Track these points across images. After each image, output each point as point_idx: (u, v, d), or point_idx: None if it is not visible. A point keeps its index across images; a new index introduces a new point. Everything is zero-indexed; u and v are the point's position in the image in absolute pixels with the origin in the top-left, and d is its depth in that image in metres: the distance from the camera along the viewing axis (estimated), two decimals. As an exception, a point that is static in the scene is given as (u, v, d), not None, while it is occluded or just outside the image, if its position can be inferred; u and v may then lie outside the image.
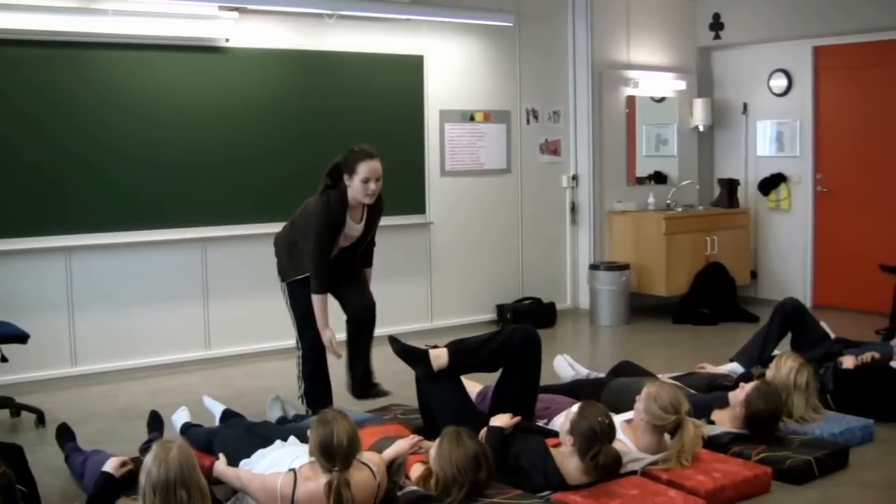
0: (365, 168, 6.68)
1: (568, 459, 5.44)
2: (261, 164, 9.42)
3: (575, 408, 5.53)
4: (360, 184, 6.68)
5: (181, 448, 4.46)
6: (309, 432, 4.94)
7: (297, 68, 9.62)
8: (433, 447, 5.16)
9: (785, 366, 6.66)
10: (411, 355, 6.44)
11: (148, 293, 8.98)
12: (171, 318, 9.12)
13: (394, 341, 6.48)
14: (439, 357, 6.32)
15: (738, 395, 6.37)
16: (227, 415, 6.58)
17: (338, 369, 7.24)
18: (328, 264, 6.78)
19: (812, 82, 11.90)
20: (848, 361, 7.26)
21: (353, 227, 6.93)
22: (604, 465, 5.31)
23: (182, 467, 4.37)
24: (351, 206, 6.81)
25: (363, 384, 7.14)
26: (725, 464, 5.82)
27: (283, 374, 8.83)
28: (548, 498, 5.30)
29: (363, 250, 7.17)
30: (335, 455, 4.71)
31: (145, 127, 8.84)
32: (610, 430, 5.39)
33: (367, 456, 4.99)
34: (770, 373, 6.72)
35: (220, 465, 5.45)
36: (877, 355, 7.44)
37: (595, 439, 5.30)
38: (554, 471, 5.42)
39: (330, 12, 9.59)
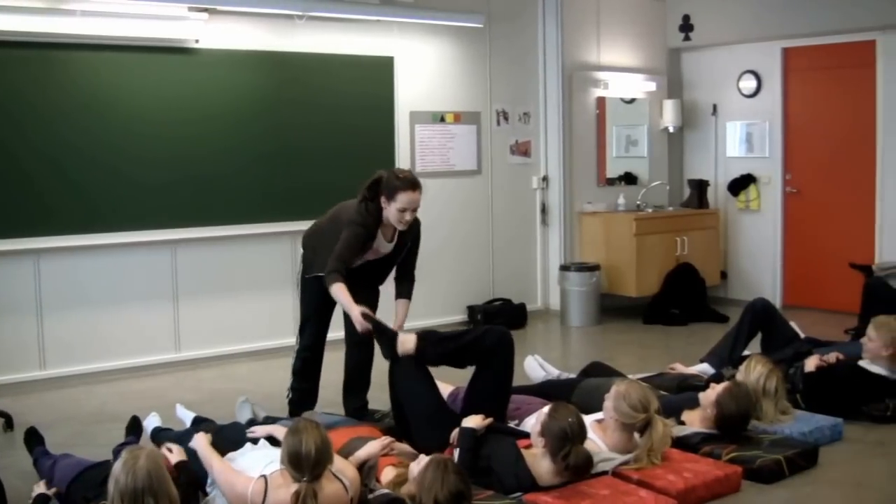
0: (405, 198, 6.57)
1: (539, 461, 5.44)
2: (231, 165, 9.39)
3: (546, 409, 5.54)
4: (397, 212, 6.60)
5: (150, 456, 4.44)
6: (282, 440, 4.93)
7: (267, 69, 9.59)
8: (416, 467, 5.10)
9: (754, 371, 6.68)
10: (381, 333, 6.44)
11: (118, 295, 8.94)
12: (141, 321, 9.08)
13: (367, 317, 6.44)
14: (406, 342, 6.33)
15: (708, 395, 6.38)
16: (198, 421, 6.55)
17: (331, 374, 7.27)
18: (346, 266, 6.63)
19: (781, 83, 11.95)
20: (810, 363, 7.30)
21: (383, 244, 6.89)
22: (575, 465, 5.32)
23: (150, 476, 4.35)
24: (384, 224, 6.76)
25: (359, 414, 7.13)
26: (696, 463, 5.84)
27: (254, 376, 8.85)
28: (519, 499, 5.30)
29: (403, 280, 7.12)
30: (303, 466, 4.70)
31: (114, 128, 8.79)
32: (581, 431, 5.39)
33: (342, 469, 4.97)
34: (740, 376, 6.73)
35: (202, 440, 5.44)
36: (841, 356, 7.48)
37: (566, 440, 5.30)
38: (525, 472, 5.42)
39: (300, 13, 9.57)
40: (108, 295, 8.89)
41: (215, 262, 9.41)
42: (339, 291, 6.52)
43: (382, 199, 6.62)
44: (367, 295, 6.93)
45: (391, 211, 6.60)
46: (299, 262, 7.29)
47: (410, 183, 6.59)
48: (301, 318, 7.26)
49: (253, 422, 6.56)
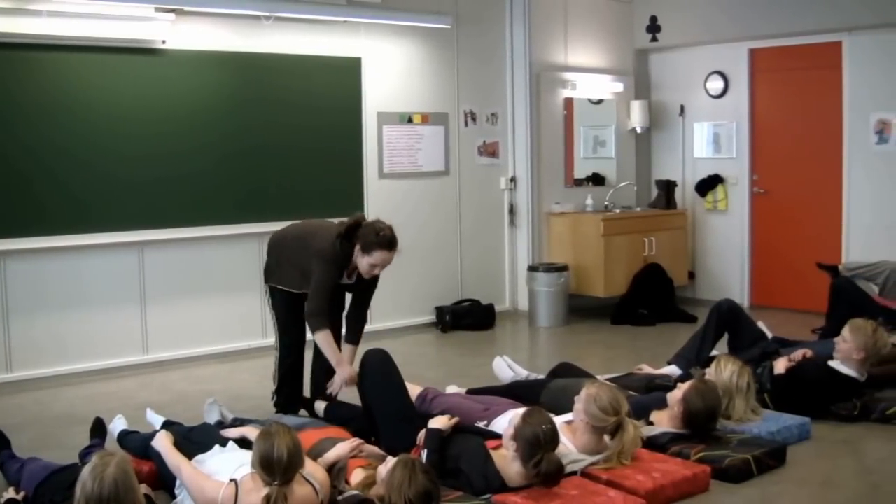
0: (379, 257, 6.70)
1: (510, 463, 5.43)
2: (197, 167, 9.34)
3: (520, 413, 5.54)
4: (368, 265, 6.73)
5: (119, 464, 4.40)
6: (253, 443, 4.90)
7: (234, 70, 9.56)
8: (384, 468, 5.09)
9: (726, 369, 6.70)
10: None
11: (84, 297, 8.87)
12: (109, 323, 9.01)
13: None
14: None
15: (675, 394, 6.40)
16: (167, 425, 6.51)
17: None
18: (327, 304, 6.79)
19: (748, 84, 12.00)
20: (780, 365, 7.31)
21: (344, 277, 6.96)
22: (546, 472, 5.31)
23: (117, 485, 4.32)
24: (350, 265, 6.85)
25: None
26: (664, 463, 5.85)
27: (222, 378, 8.81)
28: (488, 500, 5.29)
29: (354, 321, 7.13)
30: (275, 470, 4.67)
31: (80, 129, 8.73)
32: (553, 438, 5.39)
33: (312, 472, 4.94)
34: (710, 375, 6.75)
35: (165, 441, 5.43)
36: (809, 353, 7.50)
37: (538, 446, 5.30)
38: (494, 473, 5.41)
39: (267, 14, 9.54)
40: (75, 297, 8.83)
41: (183, 263, 9.37)
42: (324, 343, 6.74)
43: (357, 247, 6.70)
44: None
45: (362, 261, 6.72)
46: (267, 291, 7.32)
47: (388, 243, 6.70)
48: (276, 325, 7.28)
49: (221, 424, 6.54)
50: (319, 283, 6.73)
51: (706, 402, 6.27)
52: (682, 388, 6.37)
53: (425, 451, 5.55)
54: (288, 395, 7.26)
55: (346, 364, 6.79)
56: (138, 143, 9.01)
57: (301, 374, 7.33)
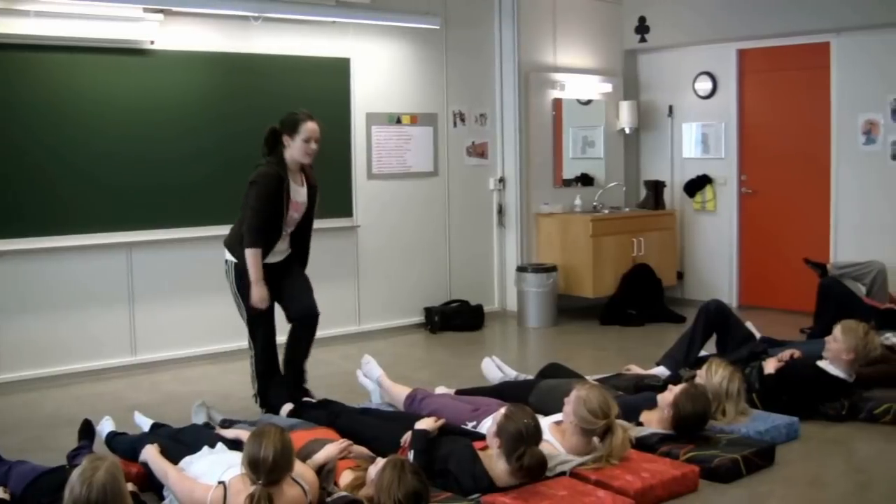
0: (306, 128, 7.01)
1: (495, 462, 5.44)
2: (187, 168, 9.33)
3: (502, 410, 5.54)
4: (302, 143, 7.01)
5: (109, 469, 4.38)
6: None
7: (222, 71, 9.55)
8: (374, 469, 5.09)
9: (717, 374, 6.70)
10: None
11: (72, 298, 8.84)
12: (97, 324, 8.99)
13: None
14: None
15: (666, 397, 6.39)
16: (156, 428, 6.51)
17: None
18: (267, 223, 6.97)
19: (736, 85, 12.02)
20: (769, 366, 7.32)
21: (299, 192, 7.14)
22: (529, 466, 5.32)
23: (106, 490, 4.31)
24: (290, 169, 7.07)
25: (295, 387, 7.25)
26: (653, 463, 5.85)
27: (211, 379, 8.81)
28: (477, 500, 5.29)
29: (299, 244, 7.36)
30: (260, 469, 4.67)
31: (68, 129, 8.71)
32: (536, 433, 5.40)
33: (301, 473, 4.94)
34: (701, 379, 6.75)
35: (151, 451, 5.43)
36: (797, 353, 7.52)
37: (521, 441, 5.31)
38: (482, 473, 5.41)
39: (256, 15, 9.53)
40: (63, 298, 8.80)
41: (171, 264, 9.34)
42: (252, 258, 6.96)
43: (285, 139, 7.03)
44: (293, 285, 7.33)
45: (297, 145, 7.03)
46: (230, 272, 7.30)
47: (307, 114, 7.11)
48: (248, 323, 7.33)
49: (208, 425, 6.54)
50: (252, 204, 6.95)
51: (696, 407, 6.28)
52: (674, 391, 6.37)
53: (412, 451, 5.55)
54: (273, 391, 7.26)
55: (263, 284, 7.01)
56: (127, 144, 8.99)
57: (279, 370, 7.39)
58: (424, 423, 5.75)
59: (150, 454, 5.47)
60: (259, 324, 7.25)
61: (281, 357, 7.42)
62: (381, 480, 4.88)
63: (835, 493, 5.82)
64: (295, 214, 7.16)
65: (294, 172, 7.12)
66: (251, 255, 6.95)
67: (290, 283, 7.30)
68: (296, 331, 7.37)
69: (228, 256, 7.26)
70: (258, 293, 7.02)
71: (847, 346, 7.10)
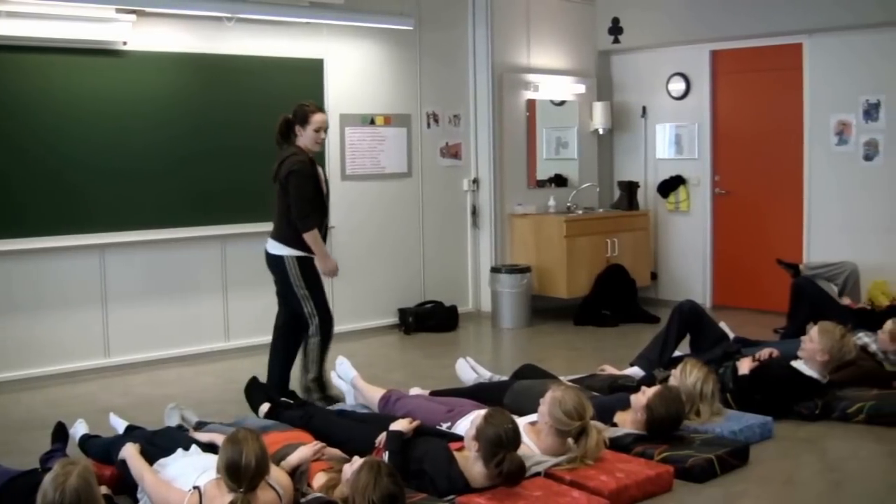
0: (317, 119, 7.54)
1: (472, 464, 5.43)
2: (159, 168, 9.29)
3: (482, 413, 5.54)
4: (313, 133, 7.53)
5: (81, 474, 4.37)
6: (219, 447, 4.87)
7: (196, 72, 9.51)
8: (350, 468, 5.07)
9: (691, 375, 6.70)
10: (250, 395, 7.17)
11: (45, 300, 8.79)
12: (70, 326, 8.94)
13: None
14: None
15: (639, 399, 6.39)
16: (131, 430, 6.47)
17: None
18: (313, 206, 7.49)
19: (710, 86, 12.05)
20: (744, 366, 7.33)
21: (319, 170, 7.67)
22: (508, 472, 5.31)
23: (79, 495, 4.30)
24: (308, 154, 7.58)
25: (319, 388, 7.70)
26: (628, 464, 5.85)
27: (185, 381, 8.77)
28: (452, 500, 5.28)
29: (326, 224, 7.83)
30: (242, 477, 4.64)
31: (41, 130, 8.65)
32: (515, 438, 5.40)
33: (276, 477, 4.92)
34: (675, 380, 6.76)
35: (131, 451, 5.41)
36: (775, 352, 7.54)
37: (500, 446, 5.30)
38: (458, 474, 5.40)
39: (229, 15, 9.49)
40: (35, 300, 8.75)
41: (145, 266, 9.30)
42: (313, 239, 7.46)
43: (297, 129, 7.57)
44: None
45: (308, 135, 7.56)
46: (292, 265, 7.60)
47: (317, 106, 7.68)
48: (315, 310, 7.69)
49: (182, 427, 6.51)
50: (299, 193, 7.42)
51: (669, 410, 6.28)
52: (647, 394, 6.37)
53: (387, 452, 5.54)
54: (322, 383, 7.70)
55: (330, 257, 7.68)
56: (99, 145, 8.94)
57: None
58: (399, 425, 5.75)
59: (130, 453, 5.44)
60: (324, 308, 7.73)
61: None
62: (357, 482, 4.86)
63: (808, 492, 5.84)
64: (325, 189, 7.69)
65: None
66: (311, 237, 7.46)
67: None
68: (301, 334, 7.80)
69: (286, 251, 7.58)
70: (331, 264, 7.66)
71: (823, 347, 7.12)
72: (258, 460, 4.66)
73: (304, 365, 7.74)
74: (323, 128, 7.60)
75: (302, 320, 7.65)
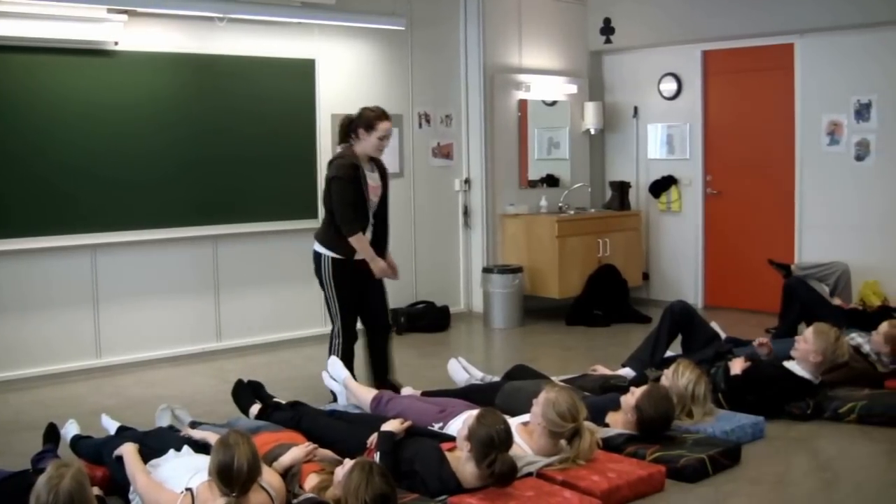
0: (382, 127, 7.56)
1: (464, 465, 5.42)
2: (151, 169, 9.27)
3: (475, 414, 5.53)
4: (377, 140, 7.56)
5: (75, 476, 4.36)
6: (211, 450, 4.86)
7: (187, 72, 9.49)
8: (342, 470, 5.07)
9: (683, 377, 6.70)
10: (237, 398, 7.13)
11: (36, 301, 8.77)
12: (61, 327, 8.92)
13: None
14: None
15: (629, 400, 6.39)
16: (122, 430, 6.46)
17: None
18: (355, 210, 7.51)
19: (701, 86, 12.06)
20: (736, 366, 7.33)
21: (372, 177, 7.67)
22: (500, 473, 5.30)
23: (72, 497, 4.29)
24: (360, 158, 7.59)
25: (382, 375, 7.96)
26: (620, 464, 5.85)
27: (176, 381, 8.76)
28: (444, 501, 5.28)
29: (379, 228, 7.83)
30: (234, 482, 4.62)
31: (32, 131, 8.63)
32: (507, 439, 5.39)
33: (268, 479, 4.91)
34: (667, 380, 6.76)
35: (130, 450, 5.41)
36: (766, 341, 7.61)
37: (492, 447, 5.29)
38: (449, 475, 5.40)
39: (221, 15, 9.48)
40: (26, 301, 8.73)
41: (136, 266, 9.29)
42: (359, 243, 7.54)
43: (361, 132, 7.55)
44: (372, 296, 7.88)
45: (371, 141, 7.55)
46: (326, 264, 7.67)
47: (385, 113, 7.65)
48: (340, 319, 7.78)
49: (173, 428, 6.50)
50: (339, 198, 7.48)
51: (658, 409, 6.28)
52: (636, 394, 6.36)
53: (378, 453, 5.53)
54: (241, 394, 7.31)
55: (379, 258, 7.67)
56: (90, 146, 8.92)
57: (352, 364, 7.79)
58: (391, 425, 5.74)
59: (128, 452, 5.41)
60: (350, 313, 7.78)
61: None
62: (349, 482, 4.85)
63: (800, 492, 5.84)
64: (374, 198, 7.66)
65: (364, 161, 7.60)
66: (356, 240, 7.53)
67: (371, 291, 7.82)
68: (370, 338, 7.97)
69: (323, 251, 7.67)
70: (378, 266, 7.67)
71: (817, 348, 7.12)
72: (250, 464, 4.64)
73: None
74: (387, 136, 7.64)
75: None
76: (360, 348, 7.91)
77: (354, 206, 7.48)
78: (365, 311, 7.91)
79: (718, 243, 12.08)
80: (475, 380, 7.88)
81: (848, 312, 9.08)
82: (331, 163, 7.66)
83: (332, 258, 7.61)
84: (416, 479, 5.45)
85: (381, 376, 7.89)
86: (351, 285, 7.68)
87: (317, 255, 7.71)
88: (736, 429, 6.59)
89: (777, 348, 7.83)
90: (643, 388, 6.40)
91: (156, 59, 9.28)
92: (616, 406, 6.58)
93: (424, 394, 7.27)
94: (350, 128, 7.59)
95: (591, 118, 12.55)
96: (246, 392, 7.16)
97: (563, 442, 5.78)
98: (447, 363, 8.11)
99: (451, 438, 5.74)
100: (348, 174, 7.45)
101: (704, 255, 12.21)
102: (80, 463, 5.04)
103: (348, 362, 7.68)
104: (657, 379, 6.95)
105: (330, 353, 7.71)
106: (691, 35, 11.81)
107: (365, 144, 7.55)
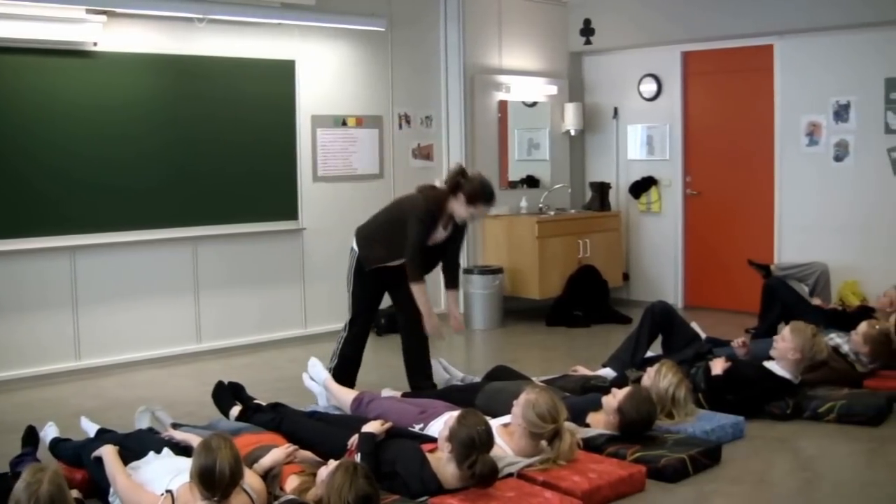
0: (482, 209, 7.57)
1: (445, 466, 5.42)
2: (130, 170, 9.23)
3: (455, 415, 5.54)
4: (468, 214, 7.51)
5: (52, 480, 4.36)
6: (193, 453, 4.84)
7: (167, 73, 9.46)
8: (325, 471, 5.06)
9: (665, 379, 6.71)
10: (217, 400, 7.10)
11: (15, 303, 8.72)
12: (40, 328, 8.87)
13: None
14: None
15: (610, 402, 6.39)
16: (102, 433, 6.43)
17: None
18: (423, 256, 7.54)
19: (681, 87, 12.10)
20: (717, 366, 7.35)
21: (440, 232, 7.62)
22: (480, 474, 5.31)
23: (52, 501, 4.28)
24: (444, 212, 7.53)
25: (425, 377, 7.98)
26: (600, 464, 5.86)
27: (158, 383, 8.74)
28: (425, 502, 5.28)
29: (449, 269, 8.00)
30: (216, 486, 4.61)
31: (9, 132, 8.58)
32: (488, 440, 5.40)
33: (249, 481, 4.90)
34: (647, 380, 6.78)
35: (110, 452, 5.39)
36: (744, 341, 7.65)
37: (473, 448, 5.30)
38: (430, 476, 5.39)
39: (200, 16, 9.45)
40: (5, 302, 8.68)
41: (115, 268, 9.25)
42: (419, 292, 7.58)
43: (462, 197, 7.41)
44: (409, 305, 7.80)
45: (463, 209, 7.46)
46: (352, 259, 7.90)
47: (491, 197, 7.53)
48: (353, 311, 7.96)
49: (152, 430, 6.48)
50: (415, 240, 7.42)
51: (640, 411, 6.29)
52: (617, 396, 6.36)
53: (359, 454, 5.53)
54: (339, 379, 7.60)
55: (434, 315, 7.72)
56: (69, 146, 8.88)
57: (359, 361, 7.97)
58: (371, 427, 5.74)
59: (108, 454, 5.39)
60: (361, 313, 7.95)
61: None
62: (332, 483, 4.85)
63: (780, 491, 5.86)
64: (429, 244, 7.60)
65: (445, 217, 7.55)
66: (418, 290, 7.59)
67: (407, 297, 7.77)
68: (406, 342, 8.05)
69: (355, 247, 7.85)
70: (431, 323, 7.70)
71: (794, 345, 7.14)
72: (232, 468, 4.63)
73: (333, 351, 7.99)
74: (480, 216, 7.93)
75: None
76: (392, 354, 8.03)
77: (422, 249, 7.51)
78: (401, 321, 8.10)
79: (698, 244, 12.11)
80: (456, 381, 7.89)
81: (828, 313, 9.12)
82: (422, 192, 7.67)
83: (357, 254, 7.80)
84: (398, 480, 5.45)
85: (417, 380, 7.94)
86: (373, 288, 7.88)
87: (351, 249, 7.92)
88: (716, 428, 6.61)
89: (756, 348, 7.86)
90: (626, 391, 6.40)
91: (135, 59, 9.24)
92: (597, 406, 6.59)
93: (405, 395, 7.28)
94: (458, 184, 7.45)
95: (571, 119, 12.57)
96: (226, 394, 7.14)
97: (543, 443, 5.79)
98: (428, 364, 8.11)
99: (432, 440, 5.74)
100: (426, 221, 7.46)
101: (684, 256, 12.24)
102: (56, 466, 5.03)
103: (349, 360, 7.87)
104: (638, 379, 6.97)
105: (336, 346, 7.89)
106: (671, 36, 11.84)
107: (458, 209, 7.47)
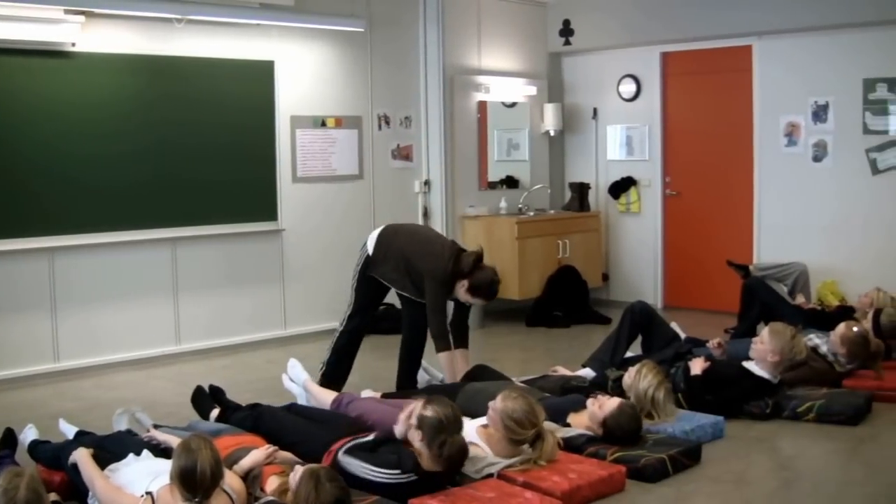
0: (480, 301, 7.85)
1: (420, 452, 5.44)
2: (108, 171, 9.19)
3: (420, 402, 5.56)
4: (466, 299, 7.72)
5: (29, 485, 4.35)
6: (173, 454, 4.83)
7: (145, 73, 9.42)
8: (293, 478, 5.04)
9: (644, 380, 6.71)
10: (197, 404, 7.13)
11: (-8, 304, 8.72)
12: (17, 330, 8.82)
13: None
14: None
15: (596, 413, 6.35)
16: (81, 435, 6.41)
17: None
18: (445, 313, 7.68)
19: (660, 87, 12.12)
20: (696, 366, 7.36)
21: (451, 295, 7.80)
22: (449, 455, 5.36)
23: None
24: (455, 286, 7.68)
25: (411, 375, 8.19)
26: (580, 464, 5.86)
27: (137, 384, 8.72)
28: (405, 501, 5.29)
29: (458, 328, 7.95)
30: (197, 487, 4.60)
31: (-13, 133, 8.57)
32: (456, 422, 5.46)
33: (230, 482, 4.88)
34: (628, 380, 6.78)
35: (83, 455, 5.36)
36: (721, 341, 7.67)
37: (441, 430, 5.34)
38: (409, 453, 5.42)
39: (179, 17, 9.42)
40: (-18, 304, 8.68)
41: (94, 269, 9.21)
42: (446, 363, 7.69)
43: (465, 282, 7.58)
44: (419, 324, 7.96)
45: (464, 294, 7.64)
46: (362, 256, 7.91)
47: (493, 297, 7.84)
48: (353, 307, 8.01)
49: (131, 432, 6.45)
50: (436, 305, 7.60)
51: (625, 430, 6.27)
52: (604, 408, 6.33)
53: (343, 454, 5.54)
54: (337, 368, 7.96)
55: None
56: (47, 147, 8.83)
57: (354, 354, 8.09)
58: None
59: (82, 458, 5.37)
60: (361, 307, 8.01)
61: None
62: (299, 493, 4.85)
63: (760, 491, 5.87)
64: None
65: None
66: (445, 359, 7.69)
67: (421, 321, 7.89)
68: (407, 346, 8.17)
69: (370, 248, 7.87)
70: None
71: (773, 347, 7.17)
72: (213, 469, 4.62)
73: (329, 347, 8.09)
74: (478, 305, 8.21)
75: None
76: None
77: (445, 312, 7.64)
78: (404, 328, 8.16)
79: (678, 244, 12.13)
80: (436, 381, 7.89)
81: (807, 312, 9.15)
82: (451, 251, 7.72)
83: (368, 256, 7.82)
84: (378, 455, 5.51)
85: (404, 381, 8.08)
86: (376, 286, 7.92)
87: (362, 244, 7.97)
88: (696, 428, 6.62)
89: (735, 348, 7.88)
90: (613, 404, 6.36)
91: (114, 60, 9.21)
92: (577, 407, 6.59)
93: (385, 395, 7.27)
94: (472, 268, 7.58)
95: (550, 119, 12.57)
96: (206, 398, 7.13)
97: (525, 446, 5.79)
98: (408, 365, 8.11)
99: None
100: (441, 290, 7.59)
101: (664, 256, 12.26)
102: (34, 470, 5.00)
103: (344, 353, 8.02)
104: (618, 379, 6.97)
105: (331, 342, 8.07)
106: (650, 37, 11.86)
107: (460, 290, 7.62)
